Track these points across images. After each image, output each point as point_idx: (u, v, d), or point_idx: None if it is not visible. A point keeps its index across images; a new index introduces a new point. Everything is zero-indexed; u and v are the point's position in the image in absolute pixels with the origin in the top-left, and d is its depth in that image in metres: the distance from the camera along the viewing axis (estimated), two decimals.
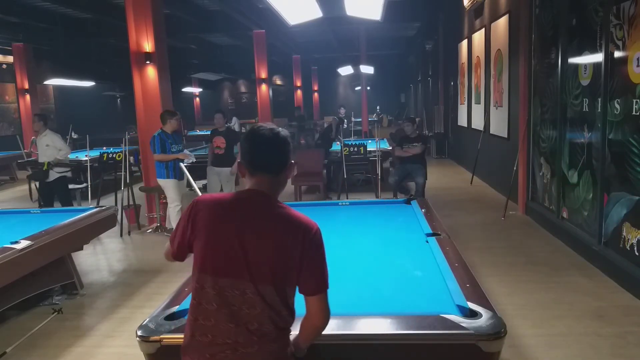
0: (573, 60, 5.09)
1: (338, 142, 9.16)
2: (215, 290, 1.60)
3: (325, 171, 8.20)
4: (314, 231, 1.67)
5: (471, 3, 8.78)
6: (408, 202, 4.39)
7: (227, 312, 1.59)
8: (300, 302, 1.73)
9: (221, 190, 6.90)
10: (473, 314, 2.02)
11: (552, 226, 5.66)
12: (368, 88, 18.86)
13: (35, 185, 7.44)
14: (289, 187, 8.58)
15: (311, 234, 1.65)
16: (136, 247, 5.93)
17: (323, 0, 5.14)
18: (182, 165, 5.38)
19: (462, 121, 10.84)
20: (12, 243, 3.51)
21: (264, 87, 13.57)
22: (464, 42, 10.38)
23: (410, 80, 22.32)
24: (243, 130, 17.75)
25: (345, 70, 17.91)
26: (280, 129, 1.73)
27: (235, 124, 16.98)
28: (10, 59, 14.60)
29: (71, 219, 4.31)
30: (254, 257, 1.59)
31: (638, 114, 3.81)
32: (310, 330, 1.73)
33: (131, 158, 6.63)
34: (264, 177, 1.69)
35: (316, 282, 1.66)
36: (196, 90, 23.35)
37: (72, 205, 6.79)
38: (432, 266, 2.71)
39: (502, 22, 7.57)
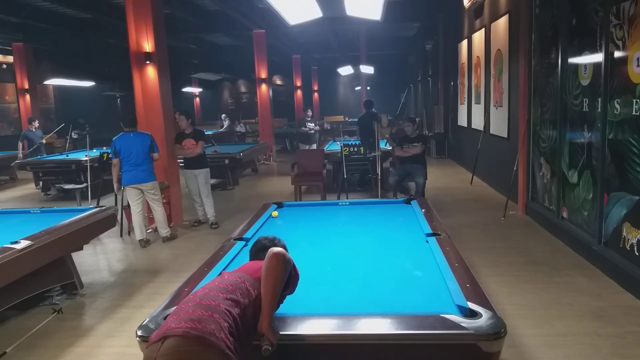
0: (573, 60, 5.09)
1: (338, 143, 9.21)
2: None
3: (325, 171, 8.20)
4: None
5: (471, 3, 8.79)
6: (408, 202, 4.40)
7: (196, 290, 2.08)
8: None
9: (199, 193, 6.67)
10: (473, 314, 2.02)
11: (552, 226, 5.66)
12: (368, 88, 18.84)
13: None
14: (289, 187, 8.59)
15: None
16: (136, 247, 5.92)
17: (323, 0, 5.14)
18: None
19: (462, 121, 10.84)
20: (12, 243, 3.51)
21: (264, 87, 13.56)
22: (464, 42, 10.38)
23: (410, 80, 22.31)
24: (248, 129, 17.71)
25: (345, 70, 17.91)
26: (279, 241, 2.40)
27: (226, 123, 16.91)
28: (10, 59, 14.60)
29: (71, 219, 4.30)
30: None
31: (638, 114, 3.81)
32: (267, 263, 1.96)
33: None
34: None
35: None
36: (196, 90, 23.36)
37: None
38: (432, 266, 2.71)
39: (502, 22, 7.57)
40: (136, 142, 5.84)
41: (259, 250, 2.35)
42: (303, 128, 10.91)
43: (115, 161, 5.91)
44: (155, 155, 5.98)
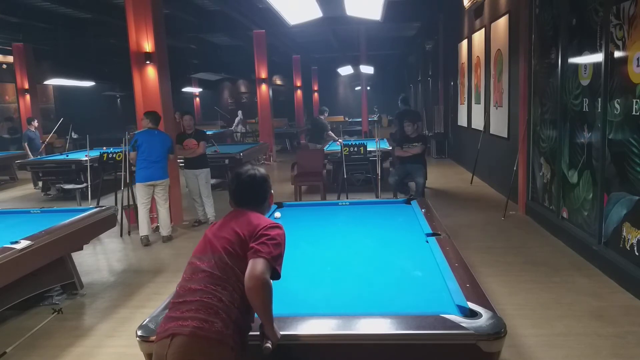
0: (573, 60, 5.09)
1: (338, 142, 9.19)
2: (189, 265, 2.05)
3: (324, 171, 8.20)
4: (270, 224, 2.05)
5: (471, 3, 8.78)
6: (408, 202, 4.40)
7: (188, 278, 1.99)
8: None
9: (199, 193, 6.68)
10: (473, 314, 2.02)
11: (552, 226, 5.66)
12: (368, 88, 18.85)
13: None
14: (289, 187, 8.59)
15: (266, 224, 2.04)
16: (136, 247, 5.93)
17: (323, 0, 5.14)
18: None
19: (462, 121, 10.84)
20: (12, 243, 3.51)
21: (264, 87, 13.56)
22: (464, 42, 10.38)
23: (410, 80, 22.32)
24: (248, 129, 17.72)
25: (345, 70, 17.90)
26: (257, 170, 2.25)
27: (238, 118, 16.94)
28: (10, 59, 14.60)
29: (71, 219, 4.30)
30: (217, 237, 2.04)
31: (638, 114, 3.81)
32: (248, 294, 1.88)
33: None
34: (248, 208, 2.17)
35: (256, 249, 1.93)
36: (196, 90, 23.35)
37: None
38: (432, 266, 2.71)
39: (502, 22, 7.57)
40: (158, 141, 5.94)
41: (240, 191, 2.21)
42: (330, 133, 10.94)
43: (132, 154, 5.93)
44: (172, 156, 6.15)
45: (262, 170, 2.28)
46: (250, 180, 2.21)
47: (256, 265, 1.86)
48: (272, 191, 2.31)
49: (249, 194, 2.20)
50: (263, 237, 1.96)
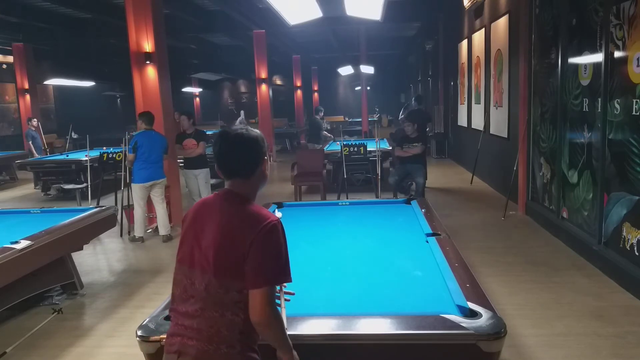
0: (573, 60, 5.09)
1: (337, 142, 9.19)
2: (179, 277, 1.80)
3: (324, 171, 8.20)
4: (263, 229, 1.66)
5: (471, 3, 8.78)
6: (408, 202, 4.40)
7: (183, 298, 1.76)
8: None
9: (199, 193, 6.70)
10: (473, 314, 2.02)
11: (552, 226, 5.66)
12: (368, 88, 18.84)
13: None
14: (289, 187, 8.59)
15: (258, 230, 1.65)
16: (136, 247, 5.93)
17: (323, 0, 5.15)
18: None
19: (462, 121, 10.84)
20: (12, 243, 3.51)
21: (264, 87, 13.57)
22: (464, 42, 10.38)
23: (410, 80, 22.32)
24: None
25: (345, 70, 17.91)
26: (247, 130, 1.78)
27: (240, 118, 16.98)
28: (10, 59, 14.59)
29: (71, 219, 4.31)
30: (202, 246, 1.72)
31: (638, 114, 3.81)
32: (256, 328, 1.69)
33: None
34: (236, 180, 1.79)
35: (256, 274, 1.64)
36: (196, 90, 23.36)
37: None
38: (432, 266, 2.71)
39: (502, 22, 7.57)
40: (157, 141, 6.00)
41: (224, 156, 1.79)
42: (324, 132, 10.93)
43: (131, 156, 5.94)
44: (166, 155, 6.18)
45: (254, 130, 1.80)
46: (236, 141, 1.74)
47: (257, 299, 1.62)
48: (267, 158, 1.85)
49: (236, 158, 1.76)
50: (258, 252, 1.63)
